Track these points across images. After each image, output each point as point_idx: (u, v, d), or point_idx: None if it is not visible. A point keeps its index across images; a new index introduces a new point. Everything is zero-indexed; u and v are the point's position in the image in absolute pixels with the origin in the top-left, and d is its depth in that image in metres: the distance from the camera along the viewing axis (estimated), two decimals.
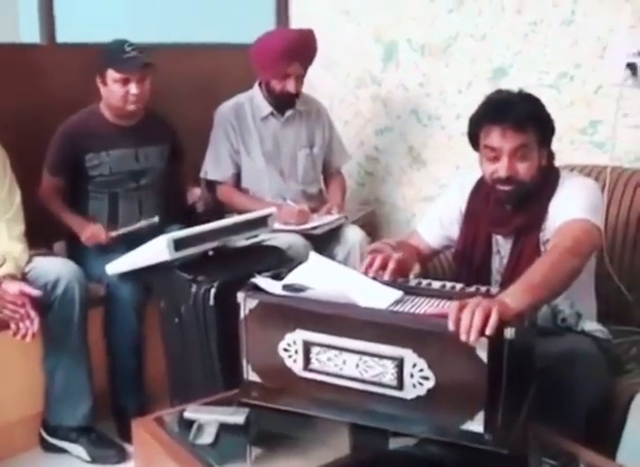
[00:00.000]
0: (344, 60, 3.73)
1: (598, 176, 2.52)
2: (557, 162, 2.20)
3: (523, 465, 1.70)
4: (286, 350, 1.74)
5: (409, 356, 1.61)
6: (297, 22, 3.76)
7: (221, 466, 1.71)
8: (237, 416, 1.78)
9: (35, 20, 3.09)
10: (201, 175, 3.18)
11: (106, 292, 2.66)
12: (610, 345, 2.10)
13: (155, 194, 2.98)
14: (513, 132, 2.00)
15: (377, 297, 1.76)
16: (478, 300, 1.58)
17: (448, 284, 1.87)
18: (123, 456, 2.55)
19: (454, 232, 2.28)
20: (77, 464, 2.55)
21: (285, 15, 3.91)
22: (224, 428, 1.76)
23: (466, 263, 2.23)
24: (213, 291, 2.24)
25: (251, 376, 1.81)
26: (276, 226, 2.77)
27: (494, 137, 2.03)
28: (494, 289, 1.83)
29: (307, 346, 1.71)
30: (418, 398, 1.62)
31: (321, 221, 3.01)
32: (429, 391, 1.61)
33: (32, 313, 2.24)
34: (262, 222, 2.59)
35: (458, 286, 1.86)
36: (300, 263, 1.95)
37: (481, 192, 2.21)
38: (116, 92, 2.77)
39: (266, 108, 3.12)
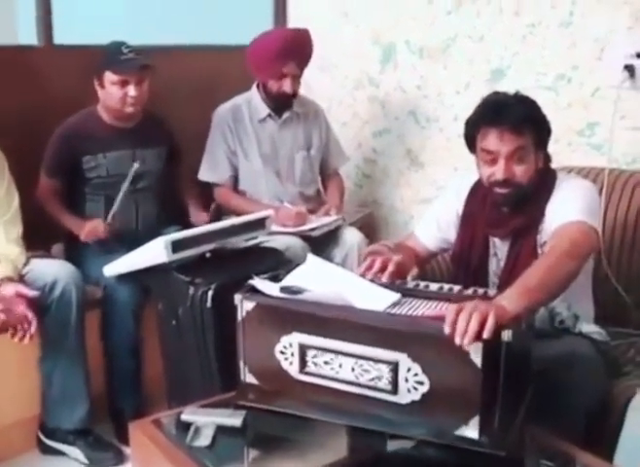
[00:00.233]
0: (342, 62, 3.73)
1: (596, 178, 2.52)
2: (555, 164, 2.20)
3: None
4: (282, 353, 1.74)
5: (404, 360, 1.61)
6: (295, 24, 3.75)
7: None
8: (235, 419, 1.78)
9: (33, 22, 3.09)
10: (199, 177, 3.17)
11: (103, 294, 2.66)
12: (608, 347, 2.10)
13: (152, 196, 2.98)
14: (510, 135, 2.00)
15: (375, 299, 1.76)
16: (475, 303, 1.58)
17: (446, 286, 1.87)
18: (120, 459, 2.55)
19: (451, 234, 2.28)
20: None
21: (283, 16, 3.90)
22: (221, 430, 1.76)
23: (463, 265, 2.23)
24: (210, 293, 2.24)
25: (248, 378, 1.81)
26: (274, 228, 2.77)
27: (491, 140, 2.02)
28: (492, 291, 1.83)
29: (303, 349, 1.71)
30: (413, 403, 1.62)
31: (319, 222, 3.01)
32: (424, 396, 1.61)
33: (30, 315, 2.24)
34: (259, 224, 2.59)
35: (456, 288, 1.86)
36: (297, 265, 1.95)
37: (478, 194, 2.20)
38: (114, 95, 2.76)
39: (264, 110, 3.12)
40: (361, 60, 3.63)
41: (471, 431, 1.57)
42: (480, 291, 1.83)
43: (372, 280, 1.91)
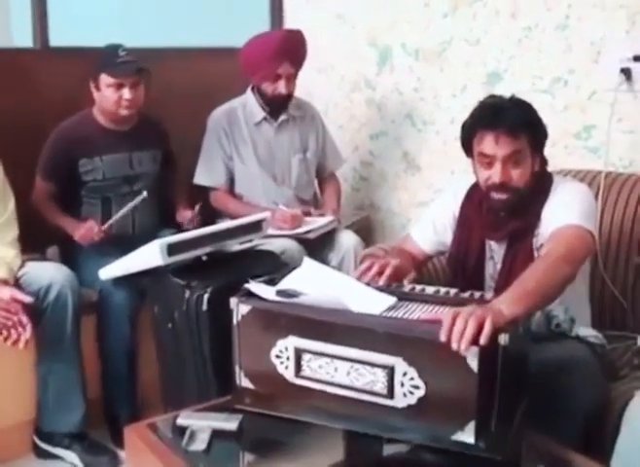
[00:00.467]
0: (339, 64, 3.73)
1: (592, 181, 2.52)
2: (551, 168, 2.20)
3: None
4: (278, 357, 1.74)
5: (400, 364, 1.60)
6: (291, 26, 3.74)
7: None
8: (230, 423, 1.78)
9: (28, 24, 3.08)
10: (194, 181, 3.17)
11: (99, 297, 2.65)
12: (604, 351, 2.10)
13: (148, 198, 2.97)
14: (506, 138, 1.99)
15: (371, 303, 1.76)
16: (472, 308, 1.58)
17: (442, 290, 1.87)
18: (116, 463, 2.54)
19: (448, 237, 2.28)
20: None
21: (279, 18, 3.90)
22: (217, 434, 1.76)
23: (459, 268, 2.23)
24: (206, 296, 2.23)
25: (243, 382, 1.80)
26: (270, 231, 2.76)
27: (487, 143, 2.02)
28: (488, 294, 1.82)
29: (299, 353, 1.71)
30: (409, 407, 1.62)
31: (314, 224, 3.00)
32: (419, 400, 1.60)
33: (24, 320, 2.23)
34: (256, 227, 2.58)
35: (452, 291, 1.86)
36: (294, 268, 1.95)
37: (475, 197, 2.20)
38: (109, 97, 2.76)
39: (260, 113, 3.12)
40: (357, 63, 3.63)
41: (467, 436, 1.56)
42: (477, 294, 1.83)
43: (367, 284, 1.90)
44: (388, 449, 1.68)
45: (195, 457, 1.70)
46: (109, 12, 3.63)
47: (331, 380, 1.69)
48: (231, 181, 3.16)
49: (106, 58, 2.76)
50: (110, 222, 2.78)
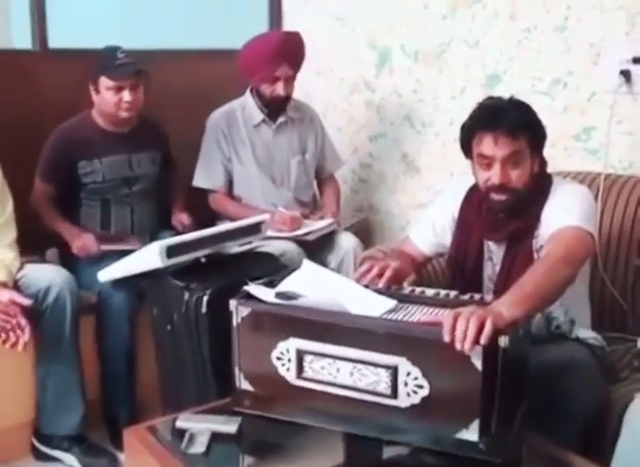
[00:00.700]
0: (338, 66, 3.73)
1: (592, 183, 2.52)
2: (551, 169, 2.20)
3: None
4: (279, 359, 1.73)
5: (404, 364, 1.60)
6: (290, 28, 3.74)
7: None
8: (230, 425, 1.77)
9: (27, 26, 3.08)
10: (193, 184, 3.16)
11: (98, 299, 2.65)
12: (604, 353, 2.10)
13: (147, 200, 2.97)
14: (505, 139, 1.99)
15: (371, 306, 1.76)
16: (472, 309, 1.58)
17: (442, 292, 1.87)
18: (114, 465, 2.54)
19: (447, 239, 2.27)
20: None
21: (278, 20, 3.90)
22: (216, 437, 1.75)
23: (458, 269, 2.22)
24: (206, 298, 2.23)
25: (243, 384, 1.80)
26: (269, 233, 2.76)
27: (486, 145, 2.02)
28: (488, 297, 1.82)
29: (300, 355, 1.70)
30: (413, 406, 1.62)
31: (313, 226, 3.00)
32: (423, 400, 1.60)
33: (23, 322, 2.23)
34: (255, 229, 2.58)
35: (452, 294, 1.85)
36: (293, 270, 1.95)
37: (474, 198, 2.20)
38: (109, 100, 2.76)
39: (259, 115, 3.12)
40: (356, 64, 3.63)
41: (471, 434, 1.56)
42: (477, 297, 1.83)
43: (366, 286, 1.90)
44: (388, 452, 1.68)
45: (195, 460, 1.69)
46: (108, 13, 3.63)
47: (333, 381, 1.68)
48: (230, 183, 3.16)
49: (105, 61, 2.75)
50: (108, 248, 2.76)
